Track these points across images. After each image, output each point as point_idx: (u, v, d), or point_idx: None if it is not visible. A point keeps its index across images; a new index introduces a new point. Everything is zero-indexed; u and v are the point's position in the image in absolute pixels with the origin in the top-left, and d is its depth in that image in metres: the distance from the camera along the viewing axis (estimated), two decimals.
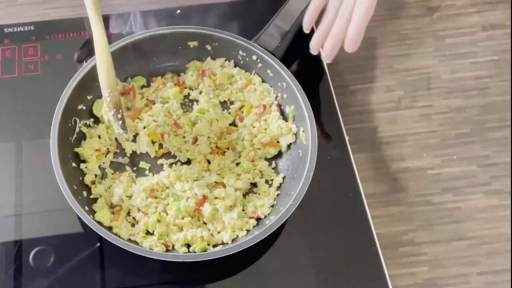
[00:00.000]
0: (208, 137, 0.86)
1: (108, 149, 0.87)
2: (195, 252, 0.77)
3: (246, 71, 0.91)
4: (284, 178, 0.84)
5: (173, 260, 0.74)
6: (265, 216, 0.81)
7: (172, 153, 0.87)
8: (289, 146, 0.86)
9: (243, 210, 0.82)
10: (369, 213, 0.82)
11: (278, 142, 0.87)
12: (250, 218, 0.81)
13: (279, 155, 0.87)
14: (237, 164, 0.86)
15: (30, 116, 0.90)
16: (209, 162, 0.86)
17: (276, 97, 0.88)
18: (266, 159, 0.87)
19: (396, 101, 0.92)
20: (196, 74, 0.91)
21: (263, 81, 0.90)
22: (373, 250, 0.80)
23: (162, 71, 0.92)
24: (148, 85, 0.92)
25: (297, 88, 0.84)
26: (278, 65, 0.86)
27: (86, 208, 0.78)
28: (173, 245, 0.79)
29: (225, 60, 0.91)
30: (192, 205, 0.81)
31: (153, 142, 0.87)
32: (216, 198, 0.83)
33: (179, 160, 0.86)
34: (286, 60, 0.88)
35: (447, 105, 0.92)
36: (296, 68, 0.93)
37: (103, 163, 0.85)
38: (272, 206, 0.82)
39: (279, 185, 0.84)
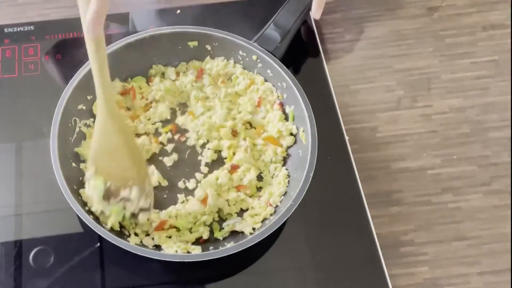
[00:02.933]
0: None
1: None
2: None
3: (248, 72, 0.90)
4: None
5: (173, 260, 0.74)
6: (276, 206, 0.81)
7: None
8: (289, 146, 0.86)
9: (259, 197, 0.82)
10: (369, 213, 0.82)
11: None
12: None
13: None
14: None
15: (30, 116, 0.90)
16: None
17: (278, 96, 0.88)
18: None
19: (396, 101, 0.92)
20: (195, 74, 0.91)
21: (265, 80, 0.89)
22: (373, 250, 0.80)
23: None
24: (148, 85, 0.92)
25: (297, 88, 0.84)
26: (278, 65, 0.86)
27: (86, 208, 0.78)
28: None
29: (224, 59, 0.91)
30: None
31: None
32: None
33: None
34: (286, 60, 0.88)
35: (447, 105, 0.92)
36: (296, 68, 0.93)
37: None
38: (284, 194, 0.81)
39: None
